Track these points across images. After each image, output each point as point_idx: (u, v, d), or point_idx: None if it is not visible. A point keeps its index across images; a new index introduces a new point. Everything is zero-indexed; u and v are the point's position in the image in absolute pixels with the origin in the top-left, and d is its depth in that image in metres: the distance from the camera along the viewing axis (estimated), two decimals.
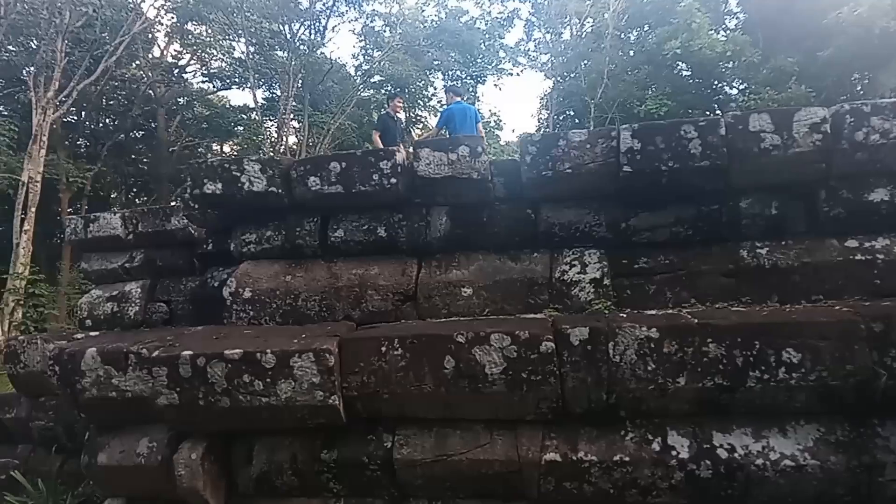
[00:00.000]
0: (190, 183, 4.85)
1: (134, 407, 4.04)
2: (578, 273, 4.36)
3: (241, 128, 31.65)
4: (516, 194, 4.54)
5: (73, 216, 6.64)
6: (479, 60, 28.78)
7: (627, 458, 3.62)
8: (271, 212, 4.85)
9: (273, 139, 28.58)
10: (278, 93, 30.90)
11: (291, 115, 23.64)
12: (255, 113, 31.91)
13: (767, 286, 4.15)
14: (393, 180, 4.48)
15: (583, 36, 23.18)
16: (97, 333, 5.69)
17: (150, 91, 27.11)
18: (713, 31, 19.66)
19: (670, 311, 4.05)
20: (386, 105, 9.41)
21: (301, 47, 24.97)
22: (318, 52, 25.72)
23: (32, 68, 19.30)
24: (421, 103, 29.07)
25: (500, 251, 4.56)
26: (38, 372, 5.66)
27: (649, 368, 3.53)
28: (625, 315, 3.88)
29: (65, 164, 21.82)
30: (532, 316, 4.22)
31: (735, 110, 5.99)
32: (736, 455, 3.51)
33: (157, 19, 25.27)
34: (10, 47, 19.91)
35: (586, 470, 3.66)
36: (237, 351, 3.77)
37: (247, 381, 3.76)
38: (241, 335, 4.15)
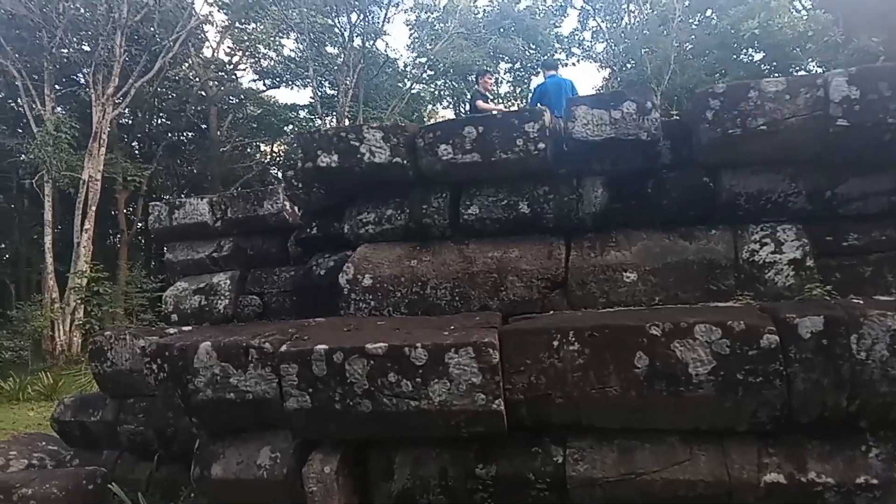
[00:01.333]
0: (301, 156, 4.27)
1: (254, 411, 3.46)
2: (773, 253, 3.61)
3: (291, 126, 31.53)
4: (687, 159, 3.83)
5: (157, 202, 6.17)
6: (537, 49, 27.89)
7: (875, 482, 2.87)
8: (393, 187, 4.24)
9: None
10: (328, 90, 30.68)
11: (346, 111, 23.18)
12: (304, 111, 31.78)
13: None
14: (541, 146, 3.80)
15: (646, 20, 22.14)
16: (190, 328, 5.18)
17: (202, 91, 27.10)
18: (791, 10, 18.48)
19: None
20: (476, 83, 8.77)
21: (355, 41, 24.54)
22: (373, 44, 25.28)
23: (89, 68, 19.28)
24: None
25: (668, 228, 3.85)
26: (126, 371, 5.17)
27: None
28: (860, 301, 3.12)
29: (123, 163, 21.79)
30: (724, 304, 3.50)
31: None
32: None
33: (209, 17, 25.21)
34: (70, 47, 19.92)
35: (819, 495, 2.93)
36: (381, 345, 3.15)
37: (392, 380, 3.14)
38: (375, 327, 3.53)
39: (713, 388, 2.95)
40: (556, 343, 3.12)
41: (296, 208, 5.74)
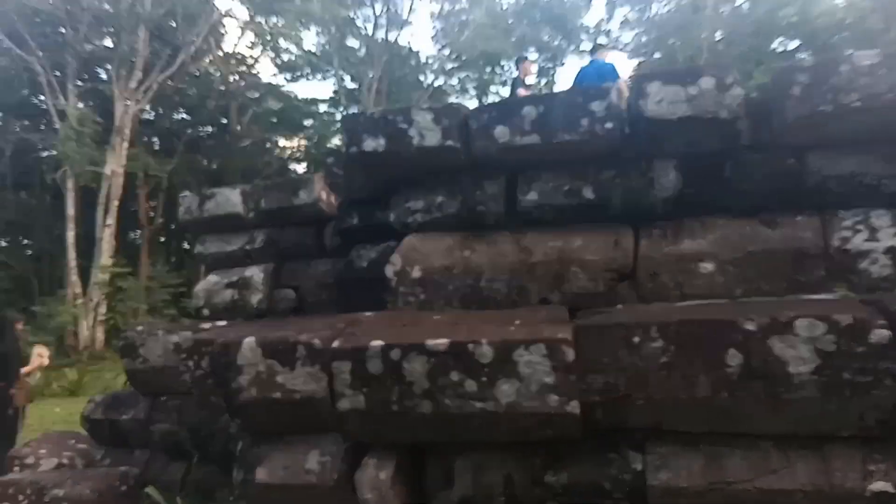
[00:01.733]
0: (345, 140, 4.01)
1: (302, 411, 3.21)
2: (867, 240, 3.29)
3: (311, 121, 31.38)
4: (768, 140, 3.50)
5: (187, 193, 5.95)
6: (565, 39, 27.44)
7: None
8: (444, 173, 3.96)
9: None
10: (349, 84, 30.48)
11: (372, 103, 22.96)
12: (325, 105, 31.60)
13: None
14: (608, 125, 3.50)
15: (675, 9, 21.64)
16: (225, 323, 4.96)
17: (223, 86, 27.03)
18: None
19: None
20: (516, 68, 8.49)
21: (378, 33, 24.32)
22: (398, 36, 25.04)
23: (113, 63, 19.22)
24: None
25: (748, 214, 3.53)
26: (158, 367, 4.96)
27: None
28: None
29: (144, 158, 21.75)
30: (819, 297, 3.19)
31: None
32: None
33: (230, 11, 25.12)
34: (93, 42, 19.89)
35: None
36: (442, 341, 2.88)
37: (455, 380, 2.87)
38: (432, 322, 3.27)
39: (816, 389, 2.64)
40: (636, 339, 2.83)
41: (332, 198, 5.49)
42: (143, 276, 21.05)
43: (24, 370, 6.36)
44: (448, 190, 3.98)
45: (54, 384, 13.76)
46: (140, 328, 5.03)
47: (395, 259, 3.96)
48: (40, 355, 7.20)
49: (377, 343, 2.95)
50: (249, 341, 3.24)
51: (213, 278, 5.88)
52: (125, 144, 18.83)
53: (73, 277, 18.46)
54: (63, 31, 18.98)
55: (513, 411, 2.84)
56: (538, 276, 3.70)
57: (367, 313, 3.59)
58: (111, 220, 18.51)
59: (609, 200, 3.68)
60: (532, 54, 28.19)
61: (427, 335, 2.96)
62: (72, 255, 18.54)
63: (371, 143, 3.90)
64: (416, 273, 3.89)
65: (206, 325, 4.82)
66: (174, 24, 19.61)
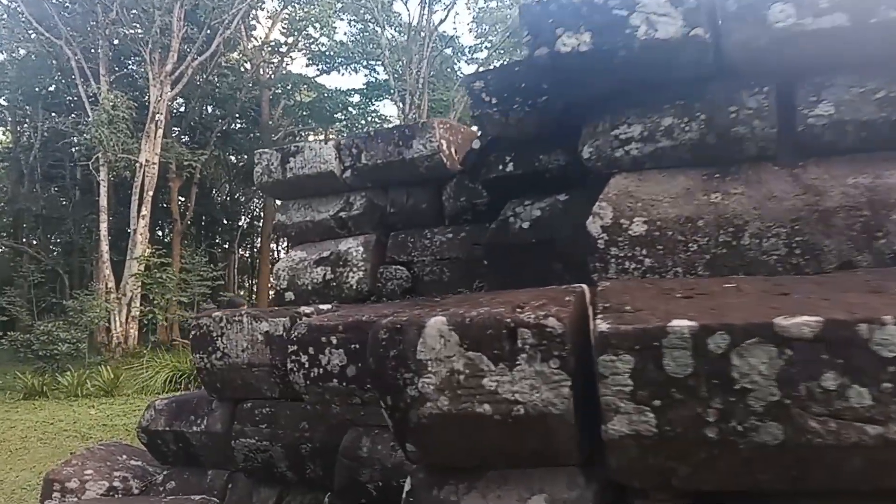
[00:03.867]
0: (528, 38, 2.80)
1: (522, 434, 2.01)
2: None
3: (343, 113, 30.41)
4: None
5: (266, 150, 4.80)
6: None
7: None
8: (674, 84, 2.74)
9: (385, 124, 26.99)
10: (382, 75, 29.47)
11: (419, 93, 21.81)
12: (357, 96, 30.59)
13: None
14: None
15: None
16: (330, 307, 3.80)
17: (255, 77, 26.13)
18: None
19: None
20: None
21: (420, 20, 23.22)
22: (440, 23, 23.94)
23: (146, 45, 18.27)
24: None
25: None
26: (242, 364, 3.80)
27: None
28: None
29: (178, 148, 20.81)
30: None
31: None
32: None
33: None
34: (126, 26, 18.96)
35: None
36: (810, 320, 1.66)
37: (831, 387, 1.64)
38: (740, 294, 2.03)
39: None
40: None
41: (453, 150, 4.31)
42: (176, 269, 20.09)
43: None
44: (682, 108, 2.75)
45: (88, 383, 12.78)
46: (217, 314, 3.86)
47: (601, 209, 2.74)
48: None
49: (682, 325, 1.73)
50: (438, 322, 2.04)
51: (297, 254, 4.73)
52: (160, 132, 17.84)
53: (106, 271, 17.52)
54: (95, 13, 18.07)
55: None
56: (836, 227, 2.46)
57: (607, 283, 2.35)
58: (145, 211, 17.54)
59: None
60: None
61: (774, 312, 1.73)
62: (104, 247, 17.61)
63: (568, 41, 2.69)
64: (636, 228, 2.67)
65: (308, 310, 3.65)
66: (210, 2, 18.56)
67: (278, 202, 4.83)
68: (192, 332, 3.92)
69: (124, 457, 4.72)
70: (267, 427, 3.72)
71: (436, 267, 4.24)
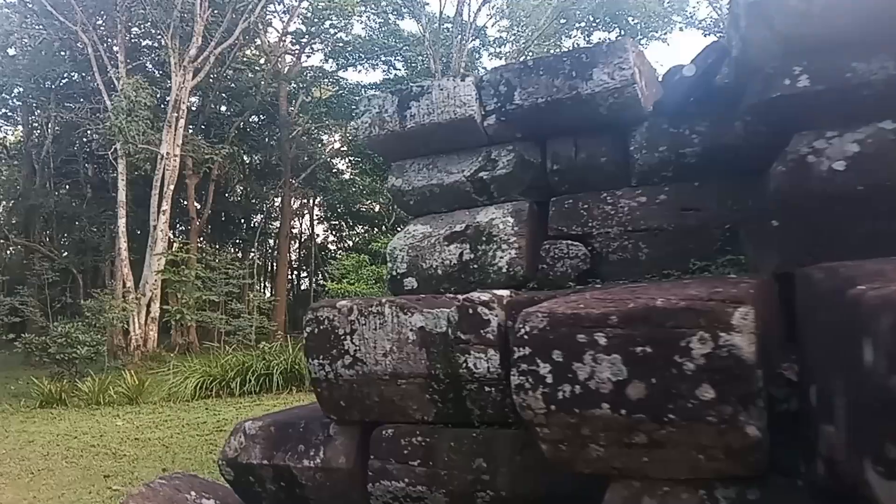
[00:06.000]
0: None
1: None
2: None
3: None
4: None
5: (377, 94, 3.70)
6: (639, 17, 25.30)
7: None
8: None
9: None
10: (400, 71, 28.46)
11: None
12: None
13: None
14: None
15: None
16: (506, 293, 2.69)
17: (273, 71, 25.11)
18: None
19: None
20: None
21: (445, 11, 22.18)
22: (472, 16, 22.90)
23: (168, 30, 17.22)
24: None
25: None
26: (384, 375, 2.68)
27: None
28: None
29: (198, 141, 19.72)
30: None
31: None
32: None
33: None
34: (146, 7, 17.91)
35: None
36: None
37: None
38: None
39: None
40: None
41: (644, 82, 3.19)
42: (194, 267, 19.02)
43: None
44: None
45: (111, 390, 11.66)
46: (344, 304, 2.74)
47: None
48: None
49: None
50: None
51: (419, 229, 3.62)
52: (182, 122, 16.78)
53: (125, 270, 16.43)
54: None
55: None
56: None
57: None
58: (166, 206, 16.46)
59: None
60: (600, 33, 26.20)
61: None
62: (122, 243, 16.52)
63: None
64: None
65: (485, 297, 2.53)
66: None
67: (393, 164, 3.68)
68: (308, 330, 2.80)
69: (193, 494, 3.61)
70: (421, 465, 2.61)
71: (627, 241, 3.12)
